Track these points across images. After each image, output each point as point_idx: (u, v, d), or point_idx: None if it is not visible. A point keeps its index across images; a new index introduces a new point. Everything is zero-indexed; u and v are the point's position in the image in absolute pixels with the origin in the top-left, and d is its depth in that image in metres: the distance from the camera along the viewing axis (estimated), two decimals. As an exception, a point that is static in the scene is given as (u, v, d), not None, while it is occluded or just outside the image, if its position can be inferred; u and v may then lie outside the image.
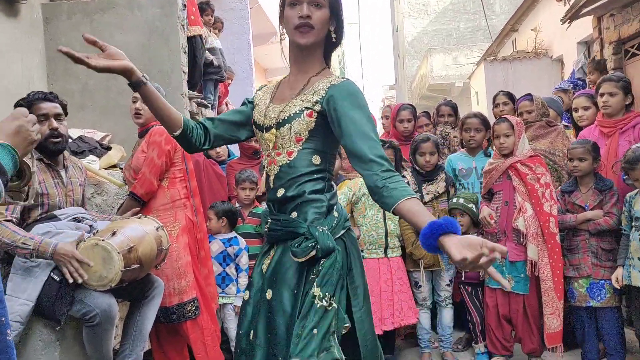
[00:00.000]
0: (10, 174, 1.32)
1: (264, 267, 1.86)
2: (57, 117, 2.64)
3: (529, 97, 4.13)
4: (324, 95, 1.77)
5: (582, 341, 3.35)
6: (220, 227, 3.55)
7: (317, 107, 1.78)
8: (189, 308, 3.02)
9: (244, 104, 2.05)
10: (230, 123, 2.00)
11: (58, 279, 2.35)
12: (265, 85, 2.10)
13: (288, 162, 1.81)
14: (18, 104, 2.60)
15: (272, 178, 1.86)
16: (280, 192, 1.82)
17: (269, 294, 1.79)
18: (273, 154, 1.85)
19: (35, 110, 2.57)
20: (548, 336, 3.27)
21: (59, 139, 2.63)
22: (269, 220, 1.89)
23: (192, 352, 3.12)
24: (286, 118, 1.81)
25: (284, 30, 1.86)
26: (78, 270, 2.32)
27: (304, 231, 1.74)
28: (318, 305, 1.66)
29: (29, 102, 2.59)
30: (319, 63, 1.89)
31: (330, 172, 1.89)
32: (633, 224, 3.08)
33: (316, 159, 1.81)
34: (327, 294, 1.68)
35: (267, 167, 1.88)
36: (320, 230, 1.74)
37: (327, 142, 1.82)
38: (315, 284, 1.69)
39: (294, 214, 1.80)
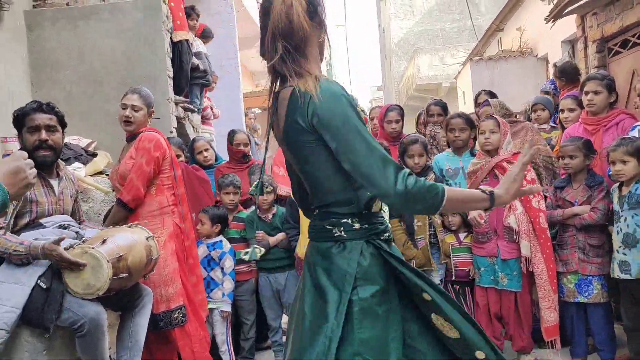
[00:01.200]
0: None
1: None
2: (49, 128, 2.62)
3: (486, 103, 4.28)
4: None
5: (572, 336, 3.38)
6: (212, 232, 3.54)
7: None
8: (176, 315, 3.00)
9: None
10: None
11: (45, 287, 2.32)
12: None
13: None
14: (15, 114, 2.62)
15: None
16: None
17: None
18: None
19: (28, 121, 2.59)
20: (546, 330, 3.30)
21: (49, 152, 2.62)
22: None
23: (181, 359, 3.10)
24: None
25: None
26: (72, 261, 2.31)
27: None
28: None
29: (24, 112, 2.61)
30: None
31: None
32: (614, 217, 3.11)
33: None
34: None
35: None
36: None
37: None
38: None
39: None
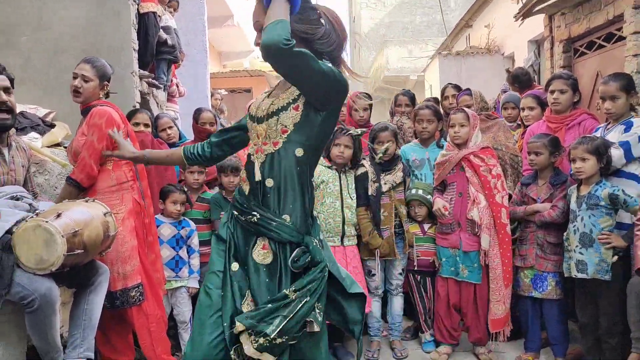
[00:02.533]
0: None
1: (256, 257, 1.96)
2: (6, 90, 2.49)
3: (467, 92, 4.28)
4: None
5: (526, 330, 3.46)
6: (178, 214, 3.46)
7: (302, 99, 1.91)
8: (133, 294, 2.92)
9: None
10: (233, 127, 2.29)
11: None
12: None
13: (273, 152, 1.95)
14: None
15: (257, 167, 1.97)
16: (269, 183, 1.94)
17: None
18: (260, 143, 1.99)
19: None
20: (492, 322, 3.37)
21: (7, 116, 2.48)
22: (257, 214, 1.94)
23: (137, 338, 3.02)
24: (274, 111, 1.95)
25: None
26: None
27: (298, 241, 1.93)
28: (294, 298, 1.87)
29: None
30: None
31: (312, 167, 2.01)
32: (570, 216, 3.18)
33: (299, 152, 1.93)
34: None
35: (253, 155, 2.01)
36: (315, 243, 1.95)
37: (312, 135, 1.94)
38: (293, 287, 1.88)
39: (284, 215, 1.93)
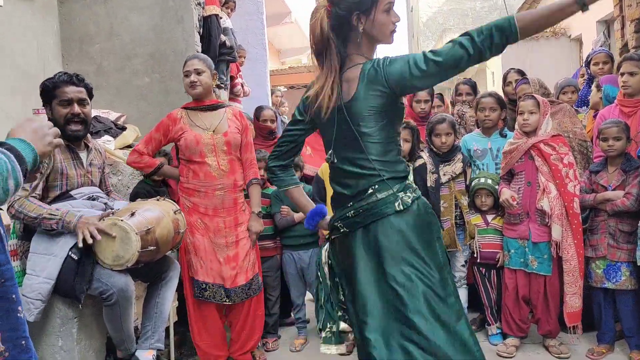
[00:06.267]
0: (29, 168, 1.35)
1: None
2: (81, 102, 2.61)
3: (525, 80, 4.09)
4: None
5: (599, 322, 3.34)
6: None
7: None
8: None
9: None
10: None
11: (76, 258, 2.37)
12: None
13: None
14: (44, 84, 2.60)
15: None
16: None
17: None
18: None
19: (59, 94, 2.56)
20: (569, 315, 3.27)
21: (80, 126, 2.62)
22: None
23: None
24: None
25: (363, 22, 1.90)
26: (92, 233, 2.34)
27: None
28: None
29: (54, 83, 2.58)
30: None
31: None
32: None
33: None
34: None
35: None
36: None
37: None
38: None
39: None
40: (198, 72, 3.07)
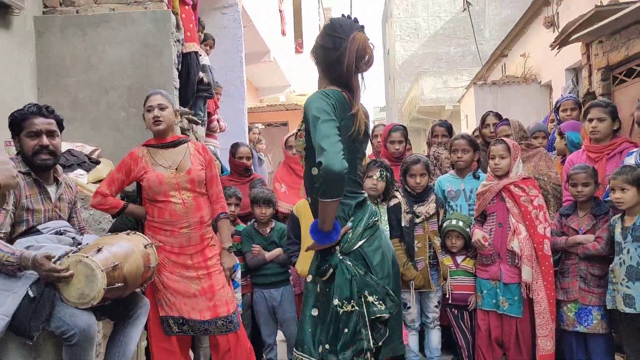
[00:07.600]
0: None
1: None
2: (50, 133, 2.57)
3: (506, 122, 4.17)
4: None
5: (571, 366, 3.33)
6: None
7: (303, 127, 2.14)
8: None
9: None
10: None
11: (32, 295, 2.29)
12: None
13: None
14: (12, 116, 2.56)
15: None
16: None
17: None
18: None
19: (27, 125, 2.52)
20: (541, 358, 3.26)
21: (49, 157, 2.57)
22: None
23: None
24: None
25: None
26: (49, 279, 2.27)
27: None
28: (341, 312, 2.06)
29: (22, 115, 2.54)
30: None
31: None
32: (615, 248, 3.08)
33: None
34: (344, 300, 2.05)
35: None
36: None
37: None
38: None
39: None
40: (161, 108, 3.04)
